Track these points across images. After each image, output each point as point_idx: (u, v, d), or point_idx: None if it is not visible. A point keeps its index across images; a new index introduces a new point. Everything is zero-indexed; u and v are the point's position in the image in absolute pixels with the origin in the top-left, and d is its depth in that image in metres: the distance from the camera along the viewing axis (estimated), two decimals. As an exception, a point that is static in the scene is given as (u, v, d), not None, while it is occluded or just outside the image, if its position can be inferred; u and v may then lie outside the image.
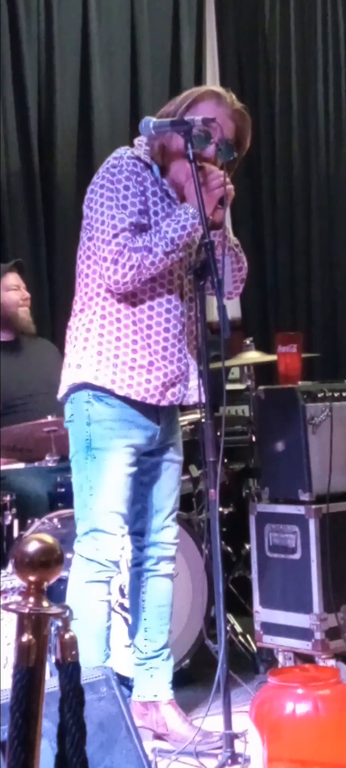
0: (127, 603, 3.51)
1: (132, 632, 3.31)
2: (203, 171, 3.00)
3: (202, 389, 2.98)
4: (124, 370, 3.05)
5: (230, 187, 3.03)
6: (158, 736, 3.22)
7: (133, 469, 3.11)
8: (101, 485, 3.06)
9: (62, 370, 3.18)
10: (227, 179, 3.01)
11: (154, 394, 3.08)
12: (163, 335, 3.08)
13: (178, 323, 3.10)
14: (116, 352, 3.05)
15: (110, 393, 3.06)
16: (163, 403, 3.11)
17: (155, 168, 3.10)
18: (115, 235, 2.99)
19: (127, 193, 3.03)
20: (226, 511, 4.41)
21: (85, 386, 3.08)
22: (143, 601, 3.27)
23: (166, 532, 3.25)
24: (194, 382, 3.15)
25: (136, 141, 3.17)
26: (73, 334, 3.14)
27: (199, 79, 6.00)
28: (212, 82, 6.22)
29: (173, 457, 3.25)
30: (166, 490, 3.24)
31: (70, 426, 3.15)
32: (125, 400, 3.07)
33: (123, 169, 3.04)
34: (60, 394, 3.18)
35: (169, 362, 3.09)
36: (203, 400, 2.97)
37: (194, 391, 3.15)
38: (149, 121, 3.02)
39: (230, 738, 2.88)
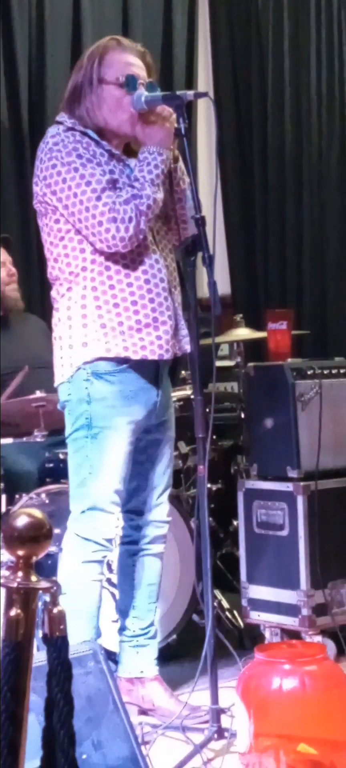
0: (115, 579, 3.51)
1: (120, 609, 3.32)
2: (153, 113, 3.02)
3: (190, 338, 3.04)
4: (132, 334, 3.01)
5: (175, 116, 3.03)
6: (144, 712, 3.23)
7: (132, 446, 3.10)
8: (102, 464, 3.03)
9: (58, 353, 3.11)
10: (170, 109, 3.03)
11: (168, 349, 3.05)
12: (155, 290, 3.04)
13: (165, 273, 3.08)
14: (119, 319, 3.01)
15: (124, 361, 3.01)
16: (171, 356, 3.08)
17: (91, 132, 3.06)
18: (98, 197, 2.96)
19: (83, 160, 3.00)
20: (214, 488, 4.41)
21: (90, 363, 3.02)
22: (133, 579, 3.26)
23: (159, 509, 3.25)
24: (184, 331, 3.14)
25: (58, 118, 3.14)
26: (65, 314, 3.07)
27: (191, 61, 5.98)
28: (204, 64, 6.21)
29: (168, 434, 3.24)
30: (161, 468, 3.23)
31: (67, 405, 3.10)
32: (125, 373, 3.04)
33: (67, 143, 3.02)
34: (63, 378, 3.09)
35: (167, 316, 3.06)
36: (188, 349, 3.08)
37: (184, 340, 3.14)
38: (141, 95, 3.02)
39: (217, 713, 2.90)
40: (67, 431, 3.12)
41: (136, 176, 3.01)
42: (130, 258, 3.03)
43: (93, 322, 3.01)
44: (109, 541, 3.09)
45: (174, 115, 3.01)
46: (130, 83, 3.03)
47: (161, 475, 3.24)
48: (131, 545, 3.27)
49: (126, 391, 3.06)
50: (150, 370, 3.09)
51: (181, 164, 3.16)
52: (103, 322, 3.01)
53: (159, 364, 3.11)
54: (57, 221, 3.06)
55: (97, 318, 3.01)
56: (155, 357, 3.04)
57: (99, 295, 3.02)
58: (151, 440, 3.20)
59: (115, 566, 3.42)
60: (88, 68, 3.08)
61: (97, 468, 3.04)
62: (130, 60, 3.09)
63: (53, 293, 3.14)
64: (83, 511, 3.07)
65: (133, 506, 3.23)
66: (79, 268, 3.05)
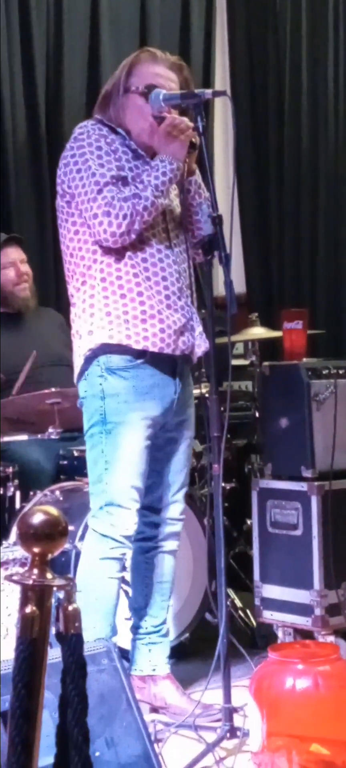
0: (128, 576, 3.52)
1: (133, 607, 3.32)
2: (171, 125, 3.05)
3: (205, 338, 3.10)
4: (137, 324, 3.04)
5: (192, 132, 3.07)
6: (155, 710, 3.24)
7: (149, 442, 3.11)
8: (117, 459, 3.05)
9: (74, 347, 3.15)
10: (189, 123, 3.07)
11: (169, 343, 3.07)
12: (163, 284, 3.08)
13: (173, 272, 3.11)
14: (124, 308, 3.04)
15: (127, 350, 3.03)
16: (177, 352, 3.09)
17: (120, 130, 3.13)
18: (100, 191, 3.01)
19: (100, 152, 3.06)
20: (228, 487, 4.41)
21: (100, 352, 3.05)
22: (146, 576, 3.27)
23: (174, 507, 3.25)
24: (199, 329, 3.16)
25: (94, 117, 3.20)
26: (80, 307, 3.12)
27: (208, 57, 5.97)
28: (221, 60, 6.19)
29: (187, 434, 3.24)
30: (178, 466, 3.24)
31: (84, 402, 3.14)
32: (139, 369, 3.06)
33: (91, 134, 3.09)
34: (77, 370, 3.13)
35: (174, 310, 3.09)
36: (208, 347, 3.08)
37: (200, 339, 3.15)
38: (159, 93, 3.05)
39: (230, 712, 2.90)
40: (84, 428, 3.15)
41: (142, 179, 3.05)
42: (140, 253, 3.07)
43: (99, 311, 3.06)
44: (128, 538, 3.10)
45: (191, 131, 3.04)
46: (149, 93, 3.07)
47: (178, 474, 3.24)
48: (145, 542, 3.27)
49: (140, 387, 3.07)
50: (166, 365, 3.11)
51: (197, 178, 3.18)
52: (109, 311, 3.05)
53: (176, 359, 3.12)
54: (72, 214, 3.11)
55: (103, 307, 3.06)
56: (156, 349, 3.05)
57: (107, 285, 3.06)
58: (169, 438, 3.20)
59: (128, 564, 3.42)
60: (118, 77, 3.16)
61: (113, 463, 3.06)
62: (158, 71, 3.13)
63: (70, 289, 3.17)
64: (101, 507, 3.08)
65: (148, 503, 3.23)
66: (91, 261, 3.09)
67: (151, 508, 3.24)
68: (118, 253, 3.05)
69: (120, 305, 3.05)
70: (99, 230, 3.02)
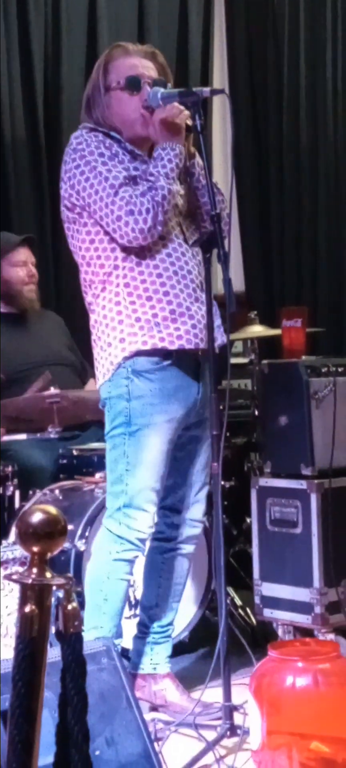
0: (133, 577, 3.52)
1: (143, 604, 3.31)
2: (164, 112, 3.04)
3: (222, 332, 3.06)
4: (168, 324, 3.02)
5: (187, 113, 3.05)
6: (155, 708, 3.24)
7: (172, 444, 3.09)
8: (139, 462, 3.03)
9: (98, 354, 3.11)
10: (181, 106, 3.05)
11: (202, 338, 3.04)
12: (189, 277, 3.06)
13: (194, 264, 3.09)
14: (153, 311, 3.02)
15: (155, 351, 3.01)
16: (205, 346, 3.05)
17: (113, 133, 3.11)
18: (116, 193, 2.99)
19: (104, 158, 3.04)
20: (227, 485, 4.41)
21: (129, 358, 3.02)
22: (161, 577, 3.25)
23: (195, 508, 3.23)
24: (218, 321, 3.14)
25: (81, 125, 3.18)
26: (101, 314, 3.08)
27: (206, 55, 5.97)
28: (220, 58, 6.19)
29: (208, 433, 3.18)
30: (199, 466, 3.21)
31: (107, 402, 3.09)
32: (165, 371, 3.04)
33: (89, 142, 3.06)
34: (105, 378, 3.08)
35: (201, 303, 3.07)
36: (225, 340, 3.08)
37: (218, 332, 3.11)
38: (158, 92, 3.05)
39: (230, 710, 2.90)
40: (107, 428, 3.12)
41: (151, 172, 3.03)
42: (160, 252, 3.04)
43: (128, 317, 3.02)
44: (142, 541, 3.09)
45: (185, 112, 3.03)
46: (131, 84, 3.08)
47: (199, 473, 3.21)
48: (164, 542, 3.24)
49: (166, 389, 3.05)
50: (190, 365, 3.09)
51: (198, 160, 3.17)
52: (138, 316, 3.02)
53: (199, 359, 3.10)
54: (85, 224, 3.07)
55: (131, 312, 3.02)
56: (192, 346, 3.03)
57: (132, 290, 3.03)
58: (191, 437, 3.18)
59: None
60: (96, 78, 3.15)
61: (135, 465, 3.03)
62: (134, 63, 3.13)
63: (89, 298, 3.14)
64: (119, 509, 3.06)
65: (170, 503, 3.21)
66: (112, 267, 3.05)
67: (173, 508, 3.21)
68: (138, 256, 3.02)
69: (148, 308, 3.02)
70: (126, 230, 2.98)
